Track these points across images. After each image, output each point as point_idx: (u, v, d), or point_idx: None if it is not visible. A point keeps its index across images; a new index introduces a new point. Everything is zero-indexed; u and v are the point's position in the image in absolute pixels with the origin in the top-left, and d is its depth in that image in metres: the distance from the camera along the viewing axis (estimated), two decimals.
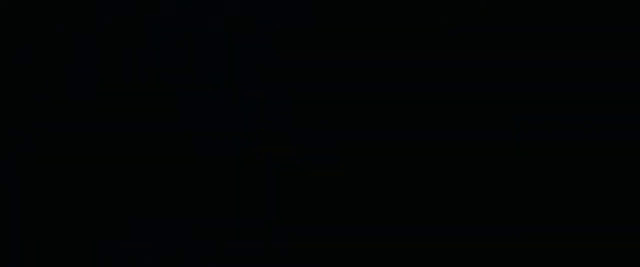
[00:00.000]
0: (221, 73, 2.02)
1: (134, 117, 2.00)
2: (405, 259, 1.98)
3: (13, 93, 2.01)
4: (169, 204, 2.00)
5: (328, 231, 1.99)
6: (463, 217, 1.98)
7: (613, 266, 1.95)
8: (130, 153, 2.00)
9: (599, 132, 1.97)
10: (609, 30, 1.99)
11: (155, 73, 2.01)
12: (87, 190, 1.99)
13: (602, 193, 1.97)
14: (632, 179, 1.96)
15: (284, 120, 2.01)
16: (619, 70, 1.98)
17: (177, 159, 2.00)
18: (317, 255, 1.98)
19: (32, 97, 2.01)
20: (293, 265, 1.98)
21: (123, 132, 2.00)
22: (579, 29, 1.99)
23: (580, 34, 1.99)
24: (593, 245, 1.96)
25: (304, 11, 2.03)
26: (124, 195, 1.99)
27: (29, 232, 1.99)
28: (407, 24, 2.01)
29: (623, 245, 1.95)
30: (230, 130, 2.01)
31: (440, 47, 2.00)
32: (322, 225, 1.99)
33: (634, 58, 1.98)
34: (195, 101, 2.01)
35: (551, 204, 1.97)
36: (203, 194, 2.00)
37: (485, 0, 1.99)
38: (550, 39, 1.99)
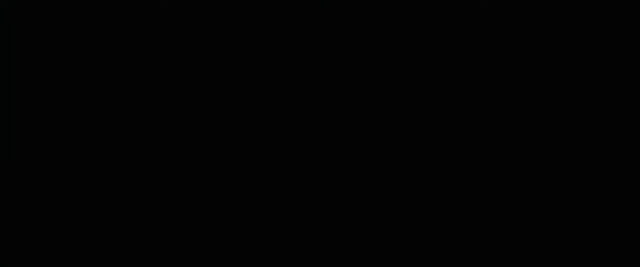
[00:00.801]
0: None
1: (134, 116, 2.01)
2: (405, 259, 1.98)
3: (13, 93, 2.01)
4: (169, 203, 2.00)
5: (326, 230, 1.99)
6: (462, 217, 1.98)
7: (613, 265, 1.95)
8: (130, 153, 2.00)
9: (599, 132, 1.98)
10: (609, 30, 1.99)
11: (155, 73, 2.02)
12: (86, 190, 1.99)
13: (602, 193, 1.97)
14: (632, 178, 1.97)
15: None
16: (619, 70, 1.98)
17: (177, 158, 2.01)
18: (317, 255, 1.99)
19: (32, 97, 2.01)
20: (293, 265, 1.99)
21: (123, 132, 2.00)
22: (579, 28, 1.99)
23: (580, 33, 1.99)
24: (593, 245, 1.96)
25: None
26: (124, 195, 1.99)
27: (29, 232, 1.99)
28: (407, 24, 2.01)
29: (623, 245, 1.96)
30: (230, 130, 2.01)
31: (440, 46, 2.00)
32: (320, 224, 1.99)
33: (633, 58, 1.98)
34: (195, 101, 2.01)
35: (551, 203, 1.98)
36: (203, 194, 2.00)
37: (485, 0, 1.99)
38: (550, 38, 1.99)
